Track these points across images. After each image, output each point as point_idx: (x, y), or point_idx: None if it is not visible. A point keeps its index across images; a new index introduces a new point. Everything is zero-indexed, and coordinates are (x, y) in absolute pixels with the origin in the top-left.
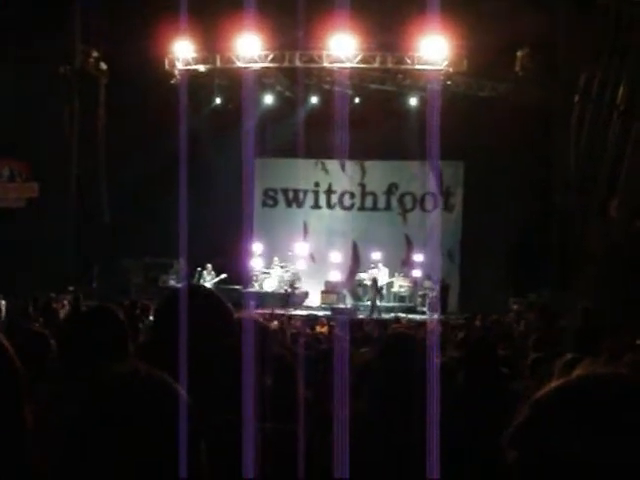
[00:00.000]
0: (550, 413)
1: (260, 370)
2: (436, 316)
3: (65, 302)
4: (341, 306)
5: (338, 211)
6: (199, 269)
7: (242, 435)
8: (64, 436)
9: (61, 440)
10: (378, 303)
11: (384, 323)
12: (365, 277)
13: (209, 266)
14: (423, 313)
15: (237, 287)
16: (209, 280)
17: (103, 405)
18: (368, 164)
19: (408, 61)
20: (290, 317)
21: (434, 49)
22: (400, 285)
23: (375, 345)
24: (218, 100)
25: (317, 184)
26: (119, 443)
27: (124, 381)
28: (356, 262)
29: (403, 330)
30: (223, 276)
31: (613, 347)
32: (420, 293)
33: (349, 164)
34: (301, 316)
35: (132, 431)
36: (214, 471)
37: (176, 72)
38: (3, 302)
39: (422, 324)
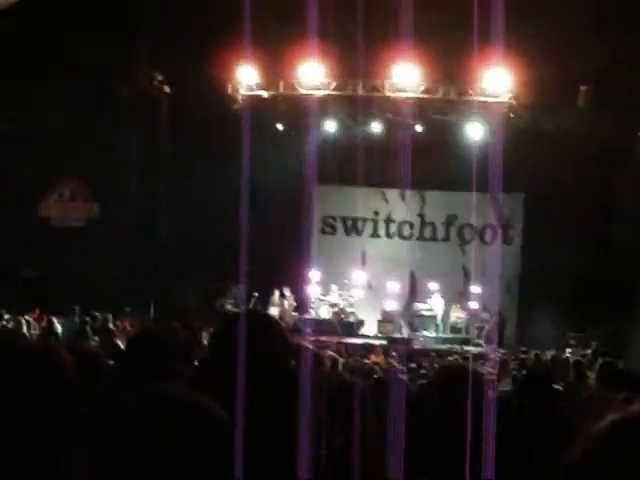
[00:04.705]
0: (607, 447)
1: (316, 397)
2: (492, 349)
3: (124, 323)
4: (397, 336)
5: (397, 240)
6: (256, 294)
7: (295, 460)
8: (102, 454)
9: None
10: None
11: (443, 354)
12: (422, 307)
13: (277, 292)
14: (479, 345)
15: (294, 314)
16: (276, 305)
17: (137, 423)
18: (428, 194)
19: (471, 92)
20: (346, 345)
21: (497, 81)
22: (457, 317)
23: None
24: (280, 126)
25: (376, 213)
26: (150, 463)
27: (161, 403)
28: (413, 292)
29: (456, 362)
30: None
31: None
32: (476, 325)
33: (409, 194)
34: (357, 344)
35: (160, 452)
36: None
37: (239, 97)
38: (60, 322)
39: (478, 356)
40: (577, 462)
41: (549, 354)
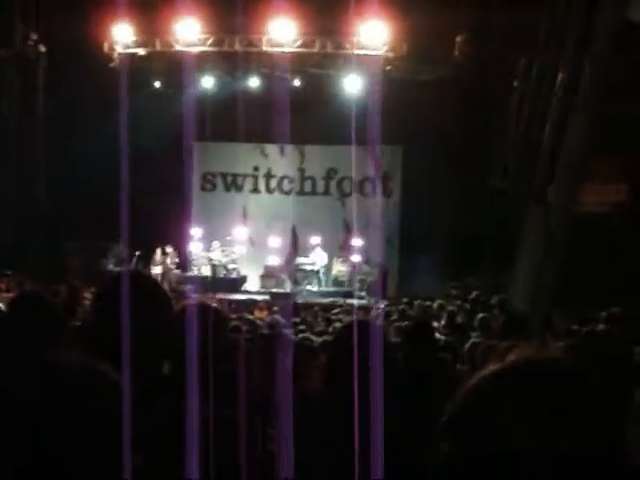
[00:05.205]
0: (483, 401)
1: (205, 356)
2: (375, 301)
3: (5, 285)
4: (280, 290)
5: (277, 196)
6: (138, 253)
7: (185, 422)
8: None
9: None
10: (313, 288)
11: (326, 308)
12: (304, 262)
13: (159, 250)
14: (361, 298)
15: (176, 271)
16: (159, 263)
17: (25, 392)
18: (307, 148)
19: (348, 45)
20: (229, 301)
21: (374, 33)
22: (338, 270)
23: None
24: (157, 84)
25: (256, 168)
26: (38, 433)
27: (50, 369)
28: (295, 247)
29: (360, 318)
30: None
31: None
32: (359, 278)
33: (288, 148)
34: (240, 300)
35: (54, 419)
36: (159, 460)
37: (115, 55)
38: None
39: (361, 309)
40: (455, 415)
41: (432, 305)
